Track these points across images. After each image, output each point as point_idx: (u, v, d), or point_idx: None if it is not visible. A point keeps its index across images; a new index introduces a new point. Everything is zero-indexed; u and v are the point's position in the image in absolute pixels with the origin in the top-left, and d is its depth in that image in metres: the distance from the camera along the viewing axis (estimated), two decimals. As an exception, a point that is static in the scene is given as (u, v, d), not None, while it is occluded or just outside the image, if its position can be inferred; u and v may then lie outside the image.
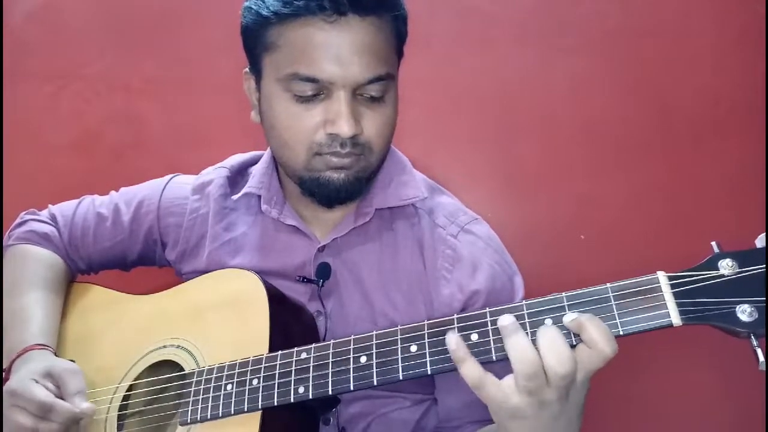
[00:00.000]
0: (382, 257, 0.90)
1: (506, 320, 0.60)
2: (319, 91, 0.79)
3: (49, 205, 1.06)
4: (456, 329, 0.64)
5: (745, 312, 0.55)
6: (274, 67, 0.81)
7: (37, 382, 0.79)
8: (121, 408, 0.85)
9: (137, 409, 0.88)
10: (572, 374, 0.57)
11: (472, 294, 0.85)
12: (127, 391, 0.86)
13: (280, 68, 0.80)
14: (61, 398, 0.79)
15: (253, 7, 0.81)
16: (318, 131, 0.80)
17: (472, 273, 0.86)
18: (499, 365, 0.61)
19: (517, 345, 0.58)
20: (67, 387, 0.80)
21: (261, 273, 0.84)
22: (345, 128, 0.78)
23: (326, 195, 0.85)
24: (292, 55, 0.78)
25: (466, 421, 0.86)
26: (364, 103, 0.81)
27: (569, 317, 0.59)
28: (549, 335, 0.58)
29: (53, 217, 1.04)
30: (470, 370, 0.60)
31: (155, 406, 0.86)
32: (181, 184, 1.02)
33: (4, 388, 0.80)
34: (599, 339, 0.57)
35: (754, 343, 0.55)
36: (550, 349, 0.57)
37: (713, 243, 0.58)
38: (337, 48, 0.77)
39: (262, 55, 0.83)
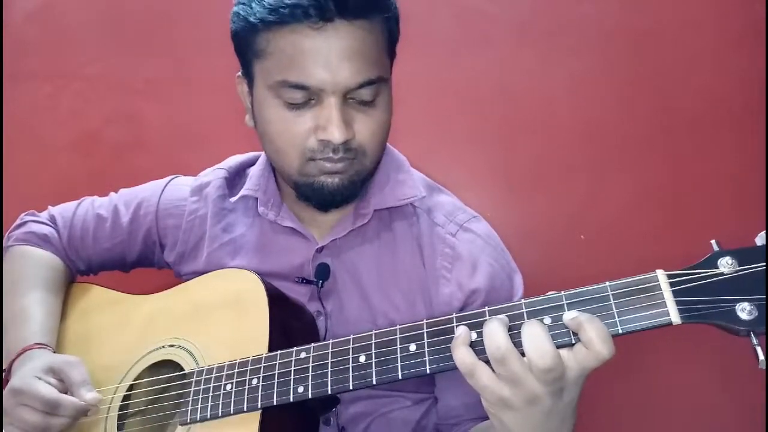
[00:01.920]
0: (381, 257, 0.90)
1: (492, 318, 0.62)
2: (309, 97, 0.79)
3: (49, 207, 1.06)
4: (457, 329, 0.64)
5: (744, 310, 0.55)
6: (265, 73, 0.81)
7: (40, 378, 0.79)
8: (122, 408, 0.85)
9: (138, 409, 0.88)
10: (556, 369, 0.57)
11: (472, 293, 0.85)
12: (127, 391, 0.86)
13: (270, 75, 0.80)
14: (66, 392, 0.79)
15: (241, 12, 0.80)
16: (309, 137, 0.80)
17: (471, 272, 0.86)
18: None
19: (487, 330, 0.60)
20: (71, 378, 0.80)
21: (260, 274, 0.83)
22: (336, 134, 0.78)
23: (321, 199, 0.84)
24: (281, 63, 0.78)
25: (465, 419, 0.86)
26: (355, 106, 0.80)
27: (569, 315, 0.59)
28: (530, 330, 0.58)
29: (53, 219, 1.04)
30: (463, 355, 0.60)
31: (156, 405, 0.86)
32: (180, 185, 1.02)
33: (7, 387, 0.80)
34: (597, 340, 0.57)
35: (754, 341, 0.55)
36: (530, 344, 0.58)
37: (713, 241, 0.58)
38: (326, 54, 0.76)
39: (252, 61, 0.82)
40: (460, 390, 0.86)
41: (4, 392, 0.79)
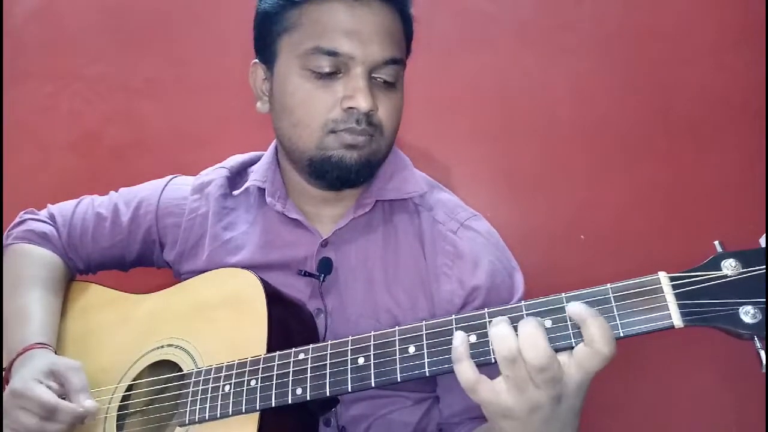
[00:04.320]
0: (384, 253, 0.90)
1: (498, 319, 0.61)
2: (336, 68, 0.81)
3: (48, 205, 1.06)
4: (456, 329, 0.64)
5: (748, 313, 0.54)
6: (293, 45, 0.83)
7: (40, 382, 0.79)
8: (121, 408, 0.85)
9: (137, 409, 0.88)
10: (550, 369, 0.57)
11: (473, 290, 0.86)
12: (126, 391, 0.86)
13: (300, 45, 0.82)
14: (65, 396, 0.79)
15: None
16: (334, 108, 0.82)
17: (472, 269, 0.87)
18: (498, 368, 0.61)
19: (497, 331, 0.59)
20: (71, 384, 0.80)
21: (263, 267, 0.84)
22: (363, 103, 0.80)
23: (337, 175, 0.85)
24: (315, 31, 0.81)
25: (467, 418, 0.86)
26: (377, 86, 0.84)
27: (575, 306, 0.58)
28: (527, 328, 0.58)
29: (52, 217, 1.04)
30: (465, 370, 0.60)
31: (155, 406, 0.86)
32: (181, 184, 1.02)
33: (8, 388, 0.80)
34: (599, 338, 0.56)
35: (758, 345, 0.54)
36: (525, 341, 0.57)
37: (716, 242, 0.57)
38: (359, 26, 0.80)
39: (279, 38, 0.85)
40: (462, 390, 0.85)
41: (5, 393, 0.79)
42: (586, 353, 0.57)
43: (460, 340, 0.61)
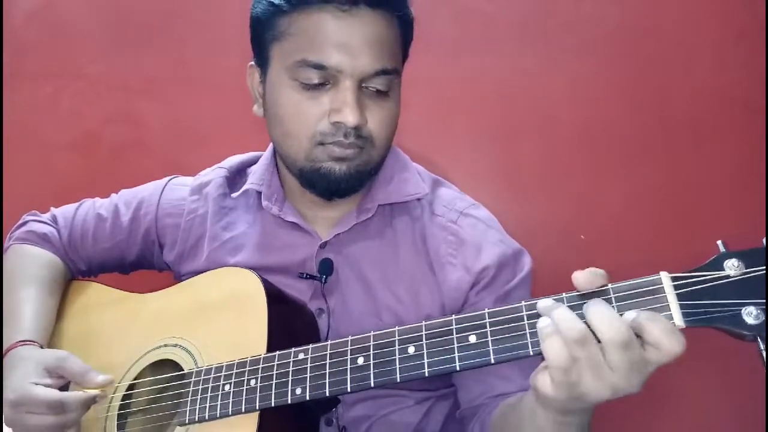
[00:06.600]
0: (384, 253, 0.90)
1: (544, 302, 0.59)
2: (325, 80, 0.80)
3: (52, 208, 1.06)
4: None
5: (751, 314, 0.53)
6: (283, 55, 0.82)
7: (36, 384, 0.78)
8: (122, 407, 0.85)
9: (137, 408, 0.88)
10: (633, 345, 0.54)
11: (480, 272, 0.86)
12: (127, 390, 0.86)
13: (289, 56, 0.81)
14: (67, 387, 0.79)
15: None
16: (322, 120, 0.81)
17: (476, 254, 0.87)
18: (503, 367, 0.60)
19: (561, 315, 0.56)
20: (71, 371, 0.80)
21: (262, 270, 0.83)
22: (350, 117, 0.79)
23: (326, 187, 0.84)
24: (302, 43, 0.79)
25: (487, 396, 0.84)
26: (369, 96, 0.82)
27: (629, 316, 0.55)
28: (596, 308, 0.55)
29: (54, 219, 1.04)
30: (557, 346, 0.56)
31: (155, 405, 0.86)
32: (180, 185, 1.02)
33: (5, 402, 0.78)
34: (664, 338, 0.54)
35: (761, 345, 0.53)
36: (601, 321, 0.55)
37: (719, 242, 0.56)
38: (348, 37, 0.78)
39: (270, 45, 0.83)
40: (478, 374, 0.83)
41: (4, 407, 0.79)
42: (656, 354, 0.55)
43: (549, 307, 0.58)
